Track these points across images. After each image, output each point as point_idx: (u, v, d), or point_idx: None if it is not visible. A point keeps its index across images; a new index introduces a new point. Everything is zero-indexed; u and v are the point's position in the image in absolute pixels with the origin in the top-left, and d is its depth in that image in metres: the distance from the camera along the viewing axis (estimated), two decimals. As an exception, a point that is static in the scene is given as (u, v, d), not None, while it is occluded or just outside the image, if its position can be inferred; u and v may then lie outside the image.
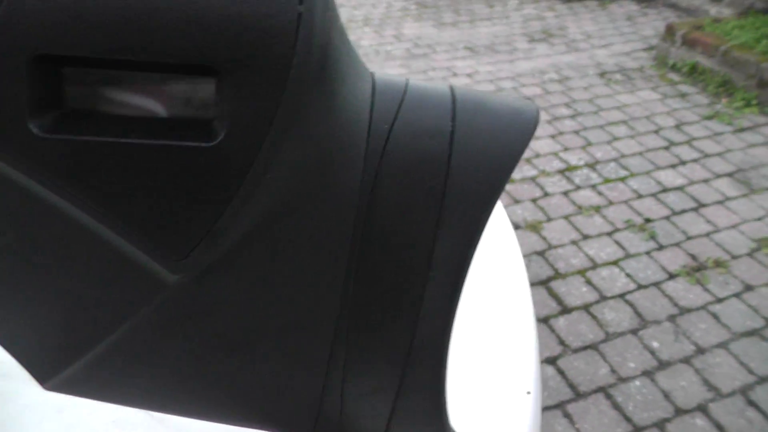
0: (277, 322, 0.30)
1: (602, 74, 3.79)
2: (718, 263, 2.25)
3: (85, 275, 0.29)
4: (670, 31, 3.91)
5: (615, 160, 2.90)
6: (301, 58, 0.24)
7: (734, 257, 2.28)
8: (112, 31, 0.23)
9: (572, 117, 3.28)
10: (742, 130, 3.14)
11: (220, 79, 0.25)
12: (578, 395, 1.78)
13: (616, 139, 3.07)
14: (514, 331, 0.51)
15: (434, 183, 0.28)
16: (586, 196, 2.63)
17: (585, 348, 1.93)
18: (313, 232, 0.28)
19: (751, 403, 1.74)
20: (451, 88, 0.30)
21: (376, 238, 0.29)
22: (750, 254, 2.29)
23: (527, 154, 2.92)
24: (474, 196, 0.28)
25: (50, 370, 0.31)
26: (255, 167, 0.26)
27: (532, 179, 2.75)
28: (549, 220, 2.49)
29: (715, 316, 2.03)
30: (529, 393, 0.45)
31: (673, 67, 3.83)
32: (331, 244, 0.29)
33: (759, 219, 2.48)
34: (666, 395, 1.77)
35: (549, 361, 1.87)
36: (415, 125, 0.29)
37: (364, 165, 0.28)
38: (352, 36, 4.53)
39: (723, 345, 1.93)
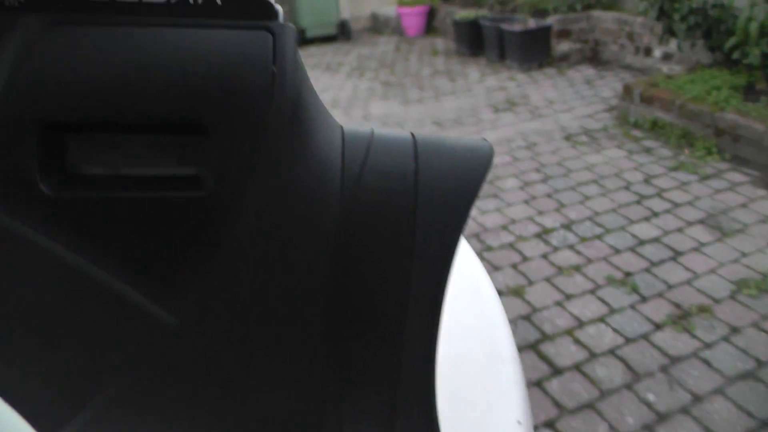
0: (267, 359, 0.31)
1: (568, 137, 3.90)
2: (702, 309, 2.27)
3: (84, 325, 0.30)
4: (627, 90, 4.06)
5: (589, 218, 2.95)
6: (276, 112, 0.28)
7: (716, 301, 2.30)
8: (108, 98, 0.27)
9: (543, 181, 3.35)
10: (707, 177, 3.23)
11: (206, 135, 0.28)
12: (580, 457, 1.75)
13: (588, 198, 3.13)
14: (496, 362, 0.51)
15: (404, 218, 0.30)
16: (565, 257, 2.66)
17: (581, 408, 1.91)
18: (294, 271, 0.30)
19: (753, 447, 1.73)
20: (412, 134, 0.33)
21: (354, 274, 0.30)
22: (731, 297, 2.32)
23: (503, 221, 2.97)
24: (441, 227, 0.30)
25: (54, 425, 0.31)
26: (242, 213, 0.28)
27: (510, 245, 2.78)
28: (531, 283, 2.51)
29: (706, 362, 2.03)
30: (520, 423, 0.45)
31: (635, 124, 3.95)
32: (312, 281, 0.30)
33: (735, 261, 2.52)
34: (668, 448, 1.75)
35: (547, 424, 1.85)
36: (382, 167, 0.31)
37: (339, 205, 0.30)
38: (322, 123, 4.62)
39: (719, 390, 1.92)
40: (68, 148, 0.28)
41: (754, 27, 3.57)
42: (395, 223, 0.30)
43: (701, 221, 2.84)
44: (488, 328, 0.55)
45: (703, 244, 2.66)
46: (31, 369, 0.31)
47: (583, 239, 2.78)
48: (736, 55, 3.76)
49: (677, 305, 2.30)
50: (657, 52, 4.88)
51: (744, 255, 2.56)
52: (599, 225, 2.88)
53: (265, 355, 0.31)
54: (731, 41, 3.76)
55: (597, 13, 5.44)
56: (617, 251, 2.67)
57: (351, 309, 0.31)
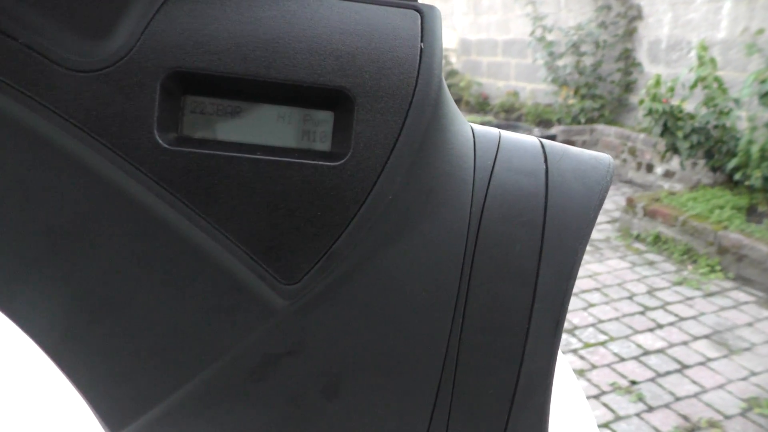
0: (382, 360, 0.28)
1: (570, 244, 3.90)
2: (712, 423, 2.18)
3: (191, 300, 0.27)
4: (630, 203, 4.11)
5: (593, 325, 2.90)
6: (422, 87, 0.27)
7: (727, 417, 2.22)
8: (251, 52, 0.25)
9: (546, 284, 3.32)
10: (711, 294, 3.20)
11: (344, 108, 0.26)
12: None
13: (591, 305, 3.10)
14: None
15: (534, 217, 0.29)
16: (569, 361, 2.59)
17: None
18: (422, 261, 0.28)
19: None
20: (538, 138, 0.33)
21: (482, 270, 0.29)
22: (743, 414, 2.23)
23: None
24: (571, 229, 0.29)
25: (126, 417, 0.28)
26: (376, 189, 0.26)
27: (513, 345, 2.71)
28: (534, 385, 2.43)
29: (717, 481, 1.93)
30: None
31: (638, 238, 3.97)
32: (440, 275, 0.28)
33: (744, 379, 2.45)
34: None
35: None
36: (513, 165, 0.30)
37: (471, 197, 0.29)
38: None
39: None
40: (186, 111, 0.27)
41: (755, 150, 3.66)
42: (526, 221, 0.29)
43: (707, 336, 2.79)
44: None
45: (709, 359, 2.60)
46: (134, 342, 0.28)
47: (587, 345, 2.72)
48: (738, 177, 3.83)
49: (686, 418, 2.22)
50: (659, 169, 4.98)
51: (753, 374, 2.49)
52: (603, 332, 2.83)
53: (374, 361, 0.28)
54: (733, 163, 3.85)
55: (600, 127, 5.60)
56: (622, 359, 2.60)
57: (475, 315, 0.29)
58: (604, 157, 0.32)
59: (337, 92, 0.26)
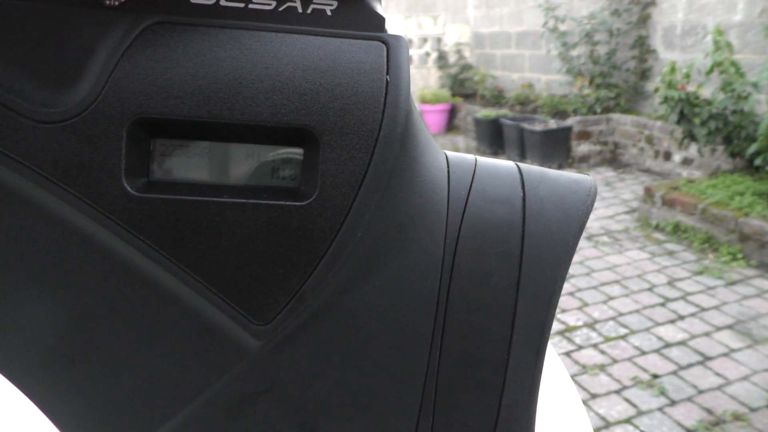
0: (358, 397, 0.28)
1: (590, 237, 3.87)
2: (737, 417, 2.15)
3: (164, 343, 0.27)
4: (649, 192, 4.06)
5: (613, 318, 2.87)
6: (389, 122, 0.26)
7: (753, 410, 2.18)
8: (213, 95, 0.25)
9: (566, 279, 3.29)
10: (733, 283, 3.16)
11: (311, 146, 0.26)
12: None
13: (611, 298, 3.07)
14: None
15: (511, 247, 0.29)
16: (589, 355, 2.57)
17: None
18: (395, 297, 0.28)
19: None
20: (516, 163, 0.32)
21: (458, 303, 0.28)
22: None
23: (524, 315, 2.90)
24: (549, 258, 0.29)
25: None
26: (344, 228, 0.26)
27: (532, 341, 2.69)
28: (554, 381, 2.41)
29: (742, 475, 1.91)
30: None
31: (657, 227, 3.93)
32: (414, 310, 0.28)
33: (769, 369, 2.42)
34: None
35: None
36: (489, 193, 0.30)
37: (445, 230, 0.29)
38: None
39: (757, 507, 1.79)
40: (156, 154, 0.27)
41: (776, 135, 3.60)
42: (502, 252, 0.29)
43: (729, 326, 2.75)
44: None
45: (733, 350, 2.56)
46: (110, 385, 0.28)
47: (607, 338, 2.69)
48: (758, 162, 3.77)
49: (709, 411, 2.19)
50: (677, 157, 4.92)
51: (777, 363, 2.46)
52: (623, 325, 2.80)
53: (350, 398, 0.28)
54: (753, 148, 3.78)
55: (616, 116, 5.54)
56: (643, 352, 2.58)
57: (452, 350, 0.28)
58: (585, 179, 0.31)
59: (302, 131, 0.26)
